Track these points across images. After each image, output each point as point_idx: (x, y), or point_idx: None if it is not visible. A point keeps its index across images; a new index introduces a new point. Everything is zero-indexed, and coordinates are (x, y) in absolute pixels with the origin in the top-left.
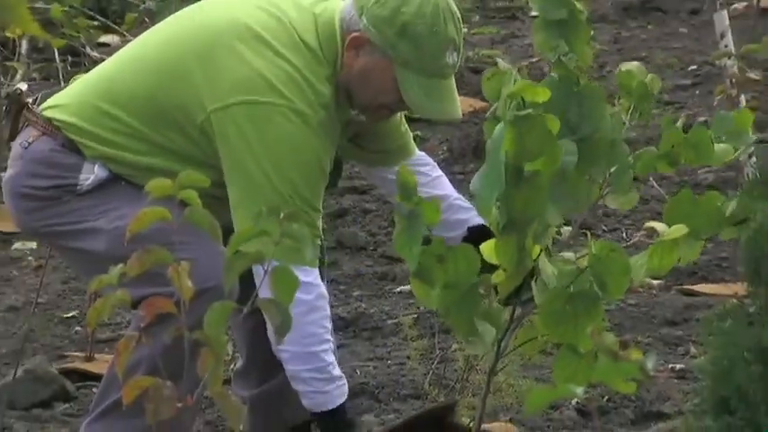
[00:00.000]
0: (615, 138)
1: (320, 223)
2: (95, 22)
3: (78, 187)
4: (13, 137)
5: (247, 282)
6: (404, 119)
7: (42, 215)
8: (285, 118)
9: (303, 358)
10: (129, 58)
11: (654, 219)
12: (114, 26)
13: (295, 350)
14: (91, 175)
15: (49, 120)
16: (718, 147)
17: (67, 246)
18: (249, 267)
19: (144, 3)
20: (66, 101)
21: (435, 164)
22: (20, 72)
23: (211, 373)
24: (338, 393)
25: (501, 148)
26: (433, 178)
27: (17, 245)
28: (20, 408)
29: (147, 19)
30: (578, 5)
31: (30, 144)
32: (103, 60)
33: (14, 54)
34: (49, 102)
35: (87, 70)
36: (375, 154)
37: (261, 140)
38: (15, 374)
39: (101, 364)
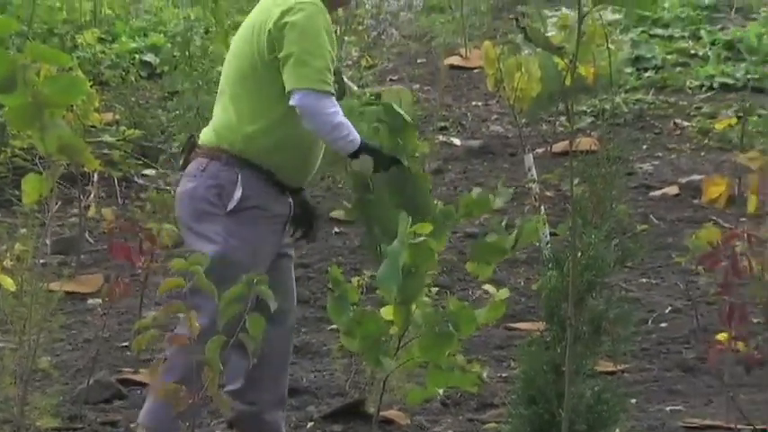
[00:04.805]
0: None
1: (330, 68)
2: (140, 161)
3: (227, 208)
4: (185, 167)
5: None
6: None
7: (199, 218)
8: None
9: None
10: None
11: (489, 283)
12: (152, 164)
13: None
14: (238, 193)
15: (210, 148)
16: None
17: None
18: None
19: (171, 148)
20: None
21: None
22: (92, 193)
23: (210, 381)
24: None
25: (400, 258)
26: None
27: (90, 300)
28: (91, 403)
29: (172, 159)
30: (407, 117)
31: (205, 167)
32: (147, 185)
33: (89, 181)
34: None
35: (137, 192)
36: None
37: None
38: (89, 382)
39: (143, 375)
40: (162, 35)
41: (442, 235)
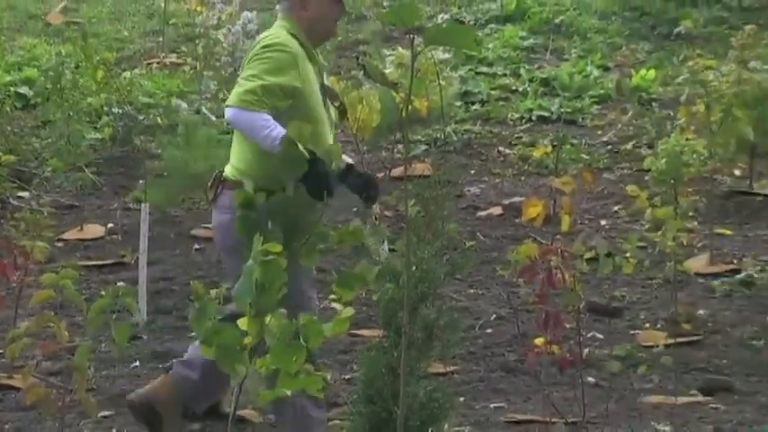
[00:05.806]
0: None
1: (258, 90)
2: (15, 184)
3: None
4: (214, 200)
5: None
6: None
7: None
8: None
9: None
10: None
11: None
12: (26, 186)
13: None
14: None
15: (237, 182)
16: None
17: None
18: None
19: (43, 172)
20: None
21: None
22: None
23: (79, 385)
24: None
25: (253, 275)
26: None
27: None
28: None
29: (45, 182)
30: (305, 154)
31: None
32: (21, 206)
33: None
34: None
35: (12, 213)
36: None
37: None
38: None
39: (17, 380)
40: (35, 69)
41: (314, 254)
